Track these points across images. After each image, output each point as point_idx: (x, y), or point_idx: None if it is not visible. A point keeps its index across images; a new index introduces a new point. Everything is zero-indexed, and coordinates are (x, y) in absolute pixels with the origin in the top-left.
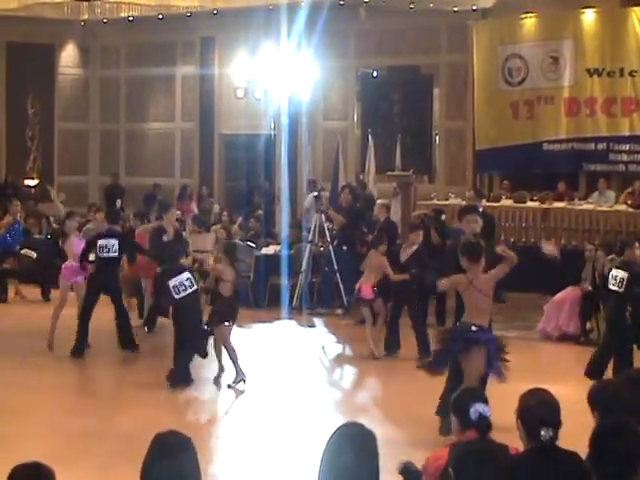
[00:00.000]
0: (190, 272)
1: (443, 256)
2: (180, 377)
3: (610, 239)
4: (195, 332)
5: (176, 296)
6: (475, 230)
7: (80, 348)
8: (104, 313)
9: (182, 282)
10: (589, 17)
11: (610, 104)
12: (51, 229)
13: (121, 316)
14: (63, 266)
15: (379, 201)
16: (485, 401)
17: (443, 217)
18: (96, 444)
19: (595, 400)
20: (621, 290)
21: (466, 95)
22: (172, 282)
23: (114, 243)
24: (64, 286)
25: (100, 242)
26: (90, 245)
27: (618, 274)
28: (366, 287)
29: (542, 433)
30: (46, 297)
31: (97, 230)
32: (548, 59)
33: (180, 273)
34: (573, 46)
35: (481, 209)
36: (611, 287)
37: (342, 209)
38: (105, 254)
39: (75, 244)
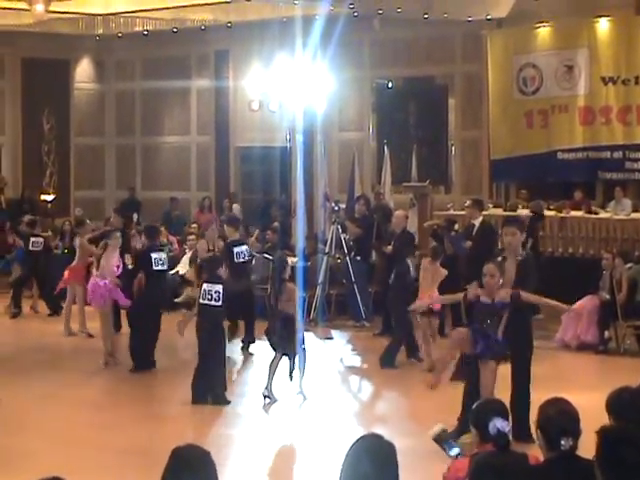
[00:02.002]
0: None
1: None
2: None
3: (627, 247)
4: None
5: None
6: (510, 243)
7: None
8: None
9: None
10: (603, 26)
11: (625, 112)
12: (67, 244)
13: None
14: (101, 284)
15: (397, 212)
16: (505, 415)
17: (456, 227)
18: (114, 458)
19: (611, 406)
20: None
21: (481, 105)
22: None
23: (164, 256)
24: (104, 305)
25: (154, 255)
26: (142, 260)
27: None
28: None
29: (562, 443)
30: (56, 312)
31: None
32: (562, 68)
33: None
34: (588, 55)
35: (480, 218)
36: None
37: (357, 220)
38: (160, 267)
39: (115, 260)
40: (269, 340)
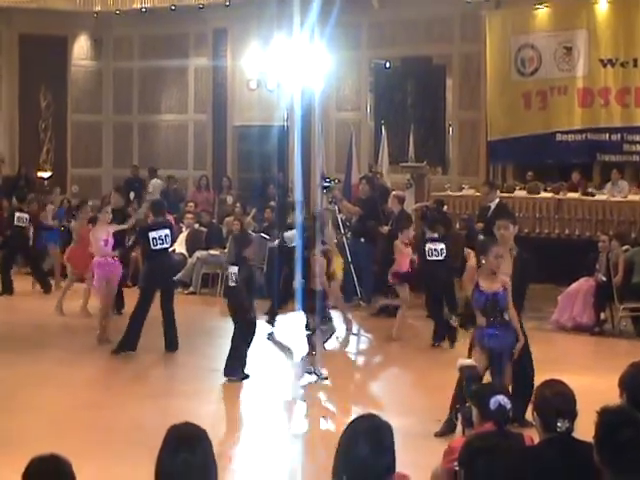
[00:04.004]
0: None
1: (447, 247)
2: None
3: (624, 229)
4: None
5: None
6: (503, 236)
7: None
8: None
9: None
10: (602, 7)
11: (624, 94)
12: (63, 222)
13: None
14: (95, 262)
15: (394, 192)
16: (505, 394)
17: (445, 208)
18: (113, 436)
19: (625, 385)
20: None
21: (479, 85)
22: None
23: (167, 233)
24: (103, 283)
25: (152, 234)
26: (140, 238)
27: None
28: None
29: (558, 424)
30: (46, 289)
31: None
32: (561, 49)
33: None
34: (586, 36)
35: (497, 200)
36: None
37: (360, 200)
38: (159, 246)
39: (102, 235)
40: (270, 320)
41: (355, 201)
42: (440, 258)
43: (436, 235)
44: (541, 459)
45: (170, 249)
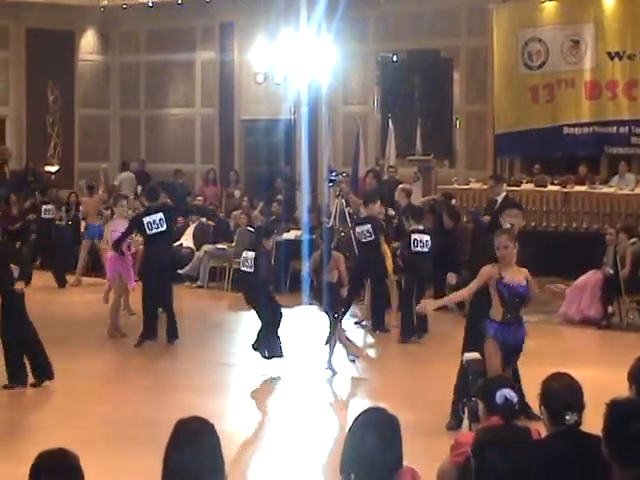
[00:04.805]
0: None
1: (455, 240)
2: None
3: (631, 222)
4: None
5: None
6: (513, 226)
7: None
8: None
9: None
10: (609, 0)
11: (631, 87)
12: (71, 216)
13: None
14: (109, 256)
15: (400, 186)
16: (512, 387)
17: (453, 201)
18: (121, 430)
19: (634, 378)
20: None
21: (486, 79)
22: None
23: (160, 217)
24: (116, 277)
25: (146, 219)
26: (134, 226)
27: None
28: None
29: (567, 417)
30: (61, 283)
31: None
32: (568, 42)
33: None
34: (594, 29)
35: (503, 194)
36: None
37: (365, 193)
38: (155, 230)
39: (115, 227)
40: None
41: (361, 194)
42: (425, 250)
43: (421, 227)
44: (550, 452)
45: (169, 236)
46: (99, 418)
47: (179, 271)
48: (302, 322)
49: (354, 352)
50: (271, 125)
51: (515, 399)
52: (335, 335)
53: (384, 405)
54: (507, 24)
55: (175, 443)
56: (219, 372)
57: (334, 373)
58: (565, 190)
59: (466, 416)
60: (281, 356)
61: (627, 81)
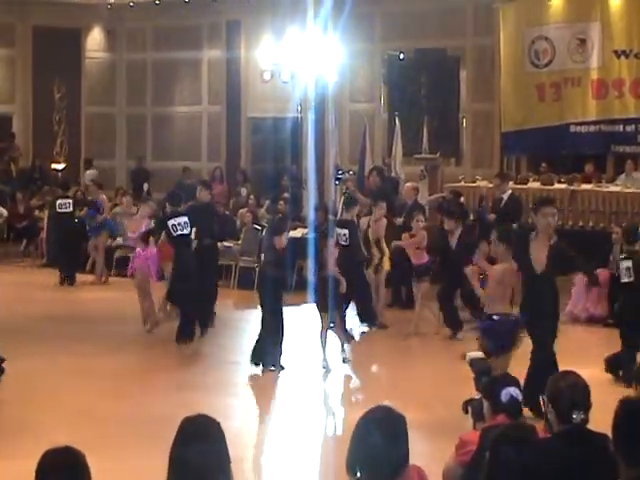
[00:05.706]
0: None
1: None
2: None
3: (638, 221)
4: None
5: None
6: (550, 225)
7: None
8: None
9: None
10: None
11: (638, 85)
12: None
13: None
14: (141, 253)
15: (408, 184)
16: (517, 386)
17: (462, 199)
18: (128, 428)
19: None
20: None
21: (493, 77)
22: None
23: (185, 220)
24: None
25: (171, 222)
26: (159, 227)
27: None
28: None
29: (574, 416)
30: (70, 281)
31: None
32: (575, 41)
33: None
34: (600, 28)
35: (509, 192)
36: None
37: (371, 192)
38: (179, 232)
39: (136, 226)
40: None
41: (366, 192)
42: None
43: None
44: (557, 450)
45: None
46: (106, 416)
47: None
48: (308, 319)
49: (348, 341)
50: (278, 123)
51: (520, 397)
52: (326, 332)
53: (391, 402)
54: (513, 23)
55: (181, 440)
56: (226, 370)
57: (328, 370)
58: (571, 188)
59: (470, 415)
60: (282, 368)
61: (634, 79)
